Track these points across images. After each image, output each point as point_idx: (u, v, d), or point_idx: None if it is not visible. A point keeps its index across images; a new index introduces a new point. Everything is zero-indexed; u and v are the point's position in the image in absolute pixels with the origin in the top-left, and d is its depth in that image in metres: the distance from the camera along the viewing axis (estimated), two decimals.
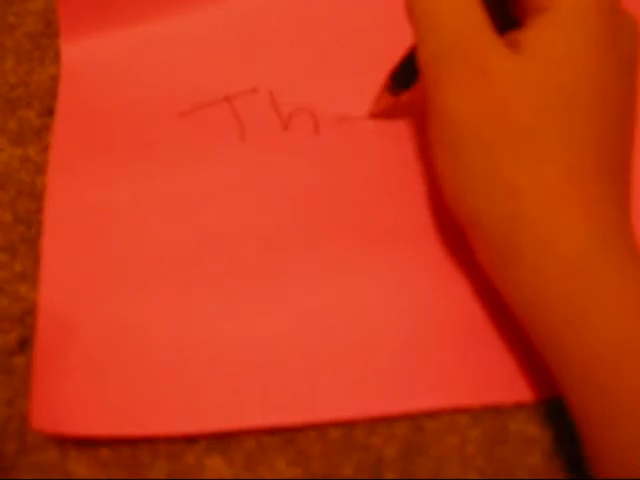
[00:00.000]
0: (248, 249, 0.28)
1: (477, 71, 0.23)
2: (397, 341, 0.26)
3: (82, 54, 0.31)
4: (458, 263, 0.27)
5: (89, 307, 0.27)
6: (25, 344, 0.27)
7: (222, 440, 0.25)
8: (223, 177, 0.29)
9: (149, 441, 0.25)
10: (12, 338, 0.27)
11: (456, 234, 0.26)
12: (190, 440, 0.25)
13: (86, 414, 0.25)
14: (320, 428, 0.25)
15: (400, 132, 0.30)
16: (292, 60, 0.32)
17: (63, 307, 0.27)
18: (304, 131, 0.30)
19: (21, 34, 0.33)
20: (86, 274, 0.28)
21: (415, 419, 0.25)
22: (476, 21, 0.23)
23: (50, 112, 0.31)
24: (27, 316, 0.27)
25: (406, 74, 0.28)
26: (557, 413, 0.25)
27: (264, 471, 0.25)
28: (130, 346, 0.26)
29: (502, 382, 0.25)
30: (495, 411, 0.25)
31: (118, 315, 0.27)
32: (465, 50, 0.23)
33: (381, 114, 0.30)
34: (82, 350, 0.26)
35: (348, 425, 0.25)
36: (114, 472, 0.25)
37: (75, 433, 0.25)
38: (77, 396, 0.25)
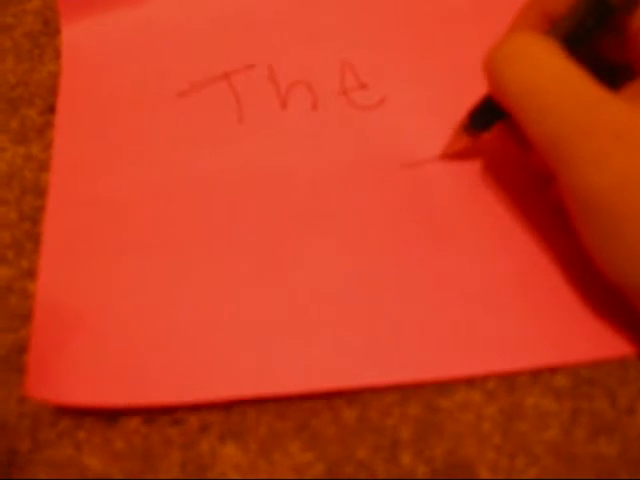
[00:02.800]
0: (248, 230, 0.28)
1: (611, 139, 0.21)
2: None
3: (82, 36, 0.32)
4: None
5: (89, 288, 0.27)
6: None
7: (235, 427, 0.25)
8: (222, 160, 0.29)
9: (161, 431, 0.25)
10: (22, 336, 0.27)
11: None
12: (203, 428, 0.25)
13: (81, 384, 0.25)
14: (334, 411, 0.25)
15: None
16: (290, 34, 0.32)
17: (62, 288, 0.27)
18: (302, 108, 0.30)
19: (20, 34, 0.33)
20: (86, 258, 0.28)
21: (428, 398, 0.25)
22: (585, 83, 0.22)
23: (51, 109, 0.31)
24: None
25: (487, 115, 0.26)
26: (573, 385, 0.25)
27: (279, 457, 0.24)
28: (128, 322, 0.26)
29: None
30: (510, 386, 0.25)
31: (117, 293, 0.27)
32: (589, 121, 0.21)
33: (453, 156, 0.29)
34: (80, 325, 0.26)
35: (361, 407, 0.25)
36: (128, 464, 0.25)
37: (70, 402, 0.25)
38: (73, 366, 0.26)
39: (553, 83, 0.22)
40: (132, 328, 0.26)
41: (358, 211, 0.28)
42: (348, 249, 0.27)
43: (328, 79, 0.31)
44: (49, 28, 0.33)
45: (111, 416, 0.25)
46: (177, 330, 0.26)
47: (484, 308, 0.26)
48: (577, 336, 0.25)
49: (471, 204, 0.28)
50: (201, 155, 0.30)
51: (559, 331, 0.25)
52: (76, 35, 0.32)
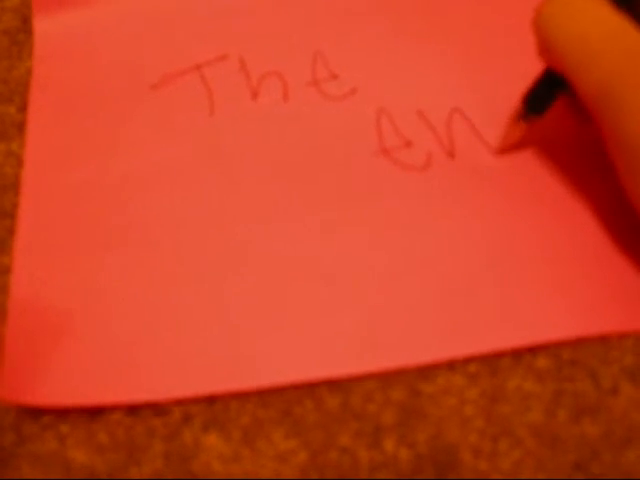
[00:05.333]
0: (221, 221, 0.28)
1: None
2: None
3: (54, 29, 0.32)
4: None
5: (66, 283, 0.27)
6: None
7: (218, 417, 0.25)
8: (194, 152, 0.30)
9: (145, 423, 0.25)
10: (2, 332, 0.27)
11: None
12: (186, 419, 0.25)
13: (56, 384, 0.25)
14: (316, 398, 0.25)
15: None
16: (261, 25, 0.32)
17: (37, 284, 0.27)
18: (273, 98, 0.30)
19: None
20: (62, 252, 0.28)
21: (411, 383, 0.25)
22: (633, 34, 0.23)
23: None
24: None
25: (542, 97, 0.26)
26: (555, 366, 0.25)
27: (262, 445, 0.24)
28: (108, 317, 0.26)
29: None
30: (492, 369, 0.25)
31: (91, 286, 0.27)
32: (637, 70, 0.22)
33: (512, 147, 0.29)
34: (55, 321, 0.26)
35: (343, 394, 0.25)
36: (112, 456, 0.25)
37: (44, 403, 0.25)
38: (50, 366, 0.26)
39: (602, 33, 0.23)
40: (112, 323, 0.26)
41: (330, 199, 0.28)
42: (323, 237, 0.27)
43: (300, 70, 0.31)
44: (27, 25, 0.33)
45: (94, 408, 0.25)
46: (159, 325, 0.26)
47: (462, 291, 0.26)
48: (558, 315, 0.25)
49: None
50: (174, 147, 0.30)
51: (539, 310, 0.25)
52: (48, 28, 0.32)
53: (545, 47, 0.25)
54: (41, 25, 0.32)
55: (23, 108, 0.31)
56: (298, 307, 0.26)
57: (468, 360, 0.25)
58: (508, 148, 0.29)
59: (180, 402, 0.25)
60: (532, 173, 0.28)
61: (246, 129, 0.30)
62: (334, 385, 0.25)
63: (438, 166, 0.29)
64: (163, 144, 0.30)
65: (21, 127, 0.31)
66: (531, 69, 0.28)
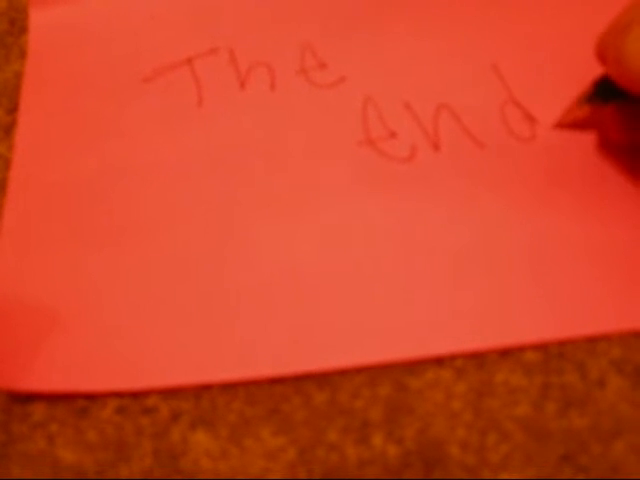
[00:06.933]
0: (210, 211, 0.28)
1: None
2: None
3: (49, 22, 0.33)
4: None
5: (52, 275, 0.28)
6: None
7: (206, 415, 0.25)
8: (183, 143, 0.30)
9: (133, 421, 0.25)
10: None
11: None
12: (174, 417, 0.25)
13: (43, 372, 0.26)
14: (303, 395, 0.25)
15: None
16: (251, 17, 0.33)
17: (22, 275, 0.28)
18: (260, 88, 0.31)
19: None
20: (47, 244, 0.28)
21: (398, 378, 0.25)
22: None
23: (19, 109, 0.31)
24: None
25: (611, 86, 0.26)
26: (542, 360, 0.25)
27: (250, 442, 0.24)
28: (95, 308, 0.27)
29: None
30: (479, 363, 0.25)
31: (81, 278, 0.27)
32: None
33: (569, 126, 0.28)
34: (42, 312, 0.27)
35: (331, 390, 0.25)
36: (101, 455, 0.25)
37: (32, 389, 0.25)
38: (35, 354, 0.26)
39: None
40: (99, 314, 0.27)
41: (316, 188, 0.28)
42: (311, 228, 0.28)
43: (288, 60, 0.31)
44: (15, 28, 0.33)
45: (83, 407, 0.25)
46: (146, 315, 0.26)
47: (447, 286, 0.26)
48: (546, 313, 0.25)
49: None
50: (163, 140, 0.30)
51: (528, 309, 0.25)
52: (43, 22, 0.33)
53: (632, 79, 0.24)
54: (36, 18, 0.33)
55: (11, 111, 0.31)
56: (286, 299, 0.26)
57: (455, 354, 0.25)
58: (565, 126, 0.28)
59: (168, 400, 0.25)
60: (517, 166, 0.28)
61: (233, 118, 0.30)
62: (321, 381, 0.25)
63: (423, 158, 0.29)
64: (154, 137, 0.30)
65: (9, 130, 0.31)
66: (520, 64, 0.28)
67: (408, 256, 0.27)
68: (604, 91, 0.26)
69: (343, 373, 0.25)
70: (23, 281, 0.28)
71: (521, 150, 0.28)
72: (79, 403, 0.25)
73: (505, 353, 0.25)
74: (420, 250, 0.27)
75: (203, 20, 0.33)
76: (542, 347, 0.25)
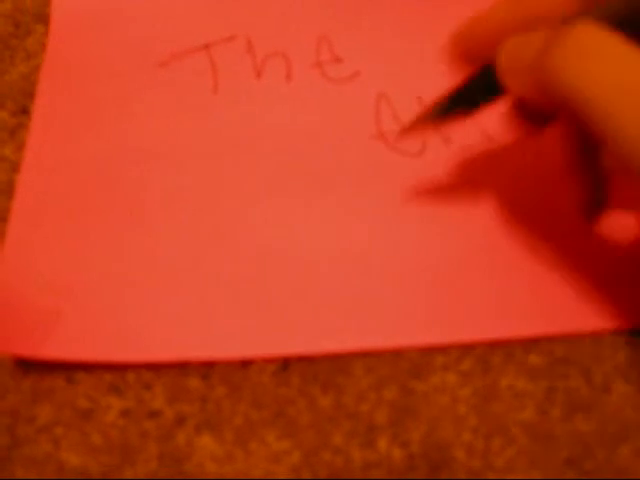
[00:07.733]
0: (219, 197, 0.29)
1: None
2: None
3: (70, 6, 0.33)
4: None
5: (59, 252, 0.28)
6: None
7: (211, 418, 0.25)
8: (197, 129, 0.30)
9: (138, 425, 0.25)
10: None
11: None
12: (179, 420, 0.25)
13: (61, 341, 0.26)
14: (309, 398, 0.25)
15: None
16: (270, 7, 0.33)
17: (30, 251, 0.28)
18: (276, 78, 0.31)
19: None
20: (57, 224, 0.28)
21: (403, 382, 0.25)
22: None
23: (24, 111, 0.31)
24: None
25: (472, 99, 0.25)
26: (548, 364, 0.25)
27: (255, 446, 0.24)
28: (101, 284, 0.27)
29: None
30: (484, 367, 0.25)
31: (91, 257, 0.28)
32: None
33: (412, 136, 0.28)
34: (55, 284, 0.27)
35: (336, 393, 0.25)
36: (106, 458, 0.25)
37: (32, 355, 0.26)
38: (38, 320, 0.26)
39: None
40: (106, 290, 0.27)
41: (327, 179, 0.29)
42: (321, 218, 0.28)
43: (304, 52, 0.32)
44: (20, 30, 0.33)
45: (88, 410, 0.25)
46: (156, 289, 0.27)
47: (453, 278, 0.26)
48: (551, 309, 0.25)
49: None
50: (177, 125, 0.30)
51: (533, 304, 0.25)
52: (65, 5, 0.33)
53: (559, 92, 0.21)
54: (58, 3, 0.33)
55: (16, 113, 0.31)
56: (287, 285, 0.27)
57: (461, 358, 0.25)
58: (408, 136, 0.28)
59: (173, 403, 0.25)
60: (526, 161, 0.28)
61: (248, 106, 0.31)
62: (327, 384, 0.25)
63: (434, 151, 0.29)
64: (168, 122, 0.30)
65: (14, 132, 0.31)
66: None
67: (413, 247, 0.27)
68: (462, 103, 0.25)
69: (348, 376, 0.25)
70: (36, 259, 0.28)
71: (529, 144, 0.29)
72: (83, 404, 0.26)
73: (510, 357, 0.25)
74: (425, 241, 0.27)
75: (222, 7, 0.33)
76: (547, 351, 0.25)
